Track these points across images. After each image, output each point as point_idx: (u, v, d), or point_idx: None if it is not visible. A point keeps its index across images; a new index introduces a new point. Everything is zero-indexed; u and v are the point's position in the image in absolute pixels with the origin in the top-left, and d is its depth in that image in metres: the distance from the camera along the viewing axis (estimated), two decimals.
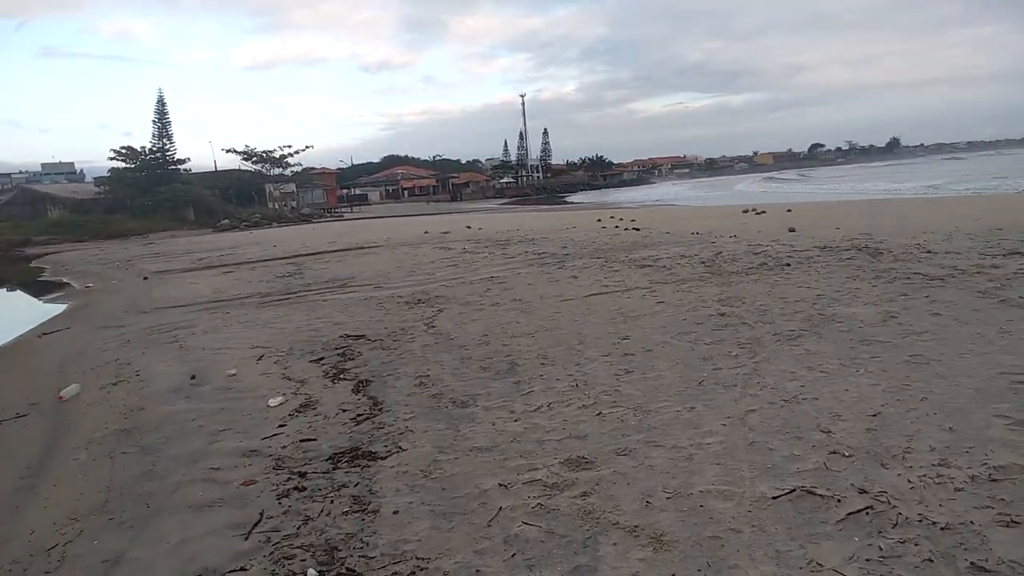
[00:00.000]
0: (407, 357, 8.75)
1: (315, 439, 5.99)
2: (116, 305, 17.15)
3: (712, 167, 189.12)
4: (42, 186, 76.56)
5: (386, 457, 5.40)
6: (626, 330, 9.04)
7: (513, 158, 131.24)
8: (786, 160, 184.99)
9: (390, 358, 8.78)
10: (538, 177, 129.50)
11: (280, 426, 6.45)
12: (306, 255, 25.40)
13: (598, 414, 5.91)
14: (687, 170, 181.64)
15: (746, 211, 29.16)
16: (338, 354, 9.27)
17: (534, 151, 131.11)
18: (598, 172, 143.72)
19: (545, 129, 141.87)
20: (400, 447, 5.58)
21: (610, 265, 15.59)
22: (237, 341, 10.76)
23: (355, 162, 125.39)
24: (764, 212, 28.01)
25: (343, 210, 76.39)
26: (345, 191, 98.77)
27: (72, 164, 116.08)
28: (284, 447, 5.88)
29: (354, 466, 5.30)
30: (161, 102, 64.73)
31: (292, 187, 74.88)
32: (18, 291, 26.87)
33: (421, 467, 5.11)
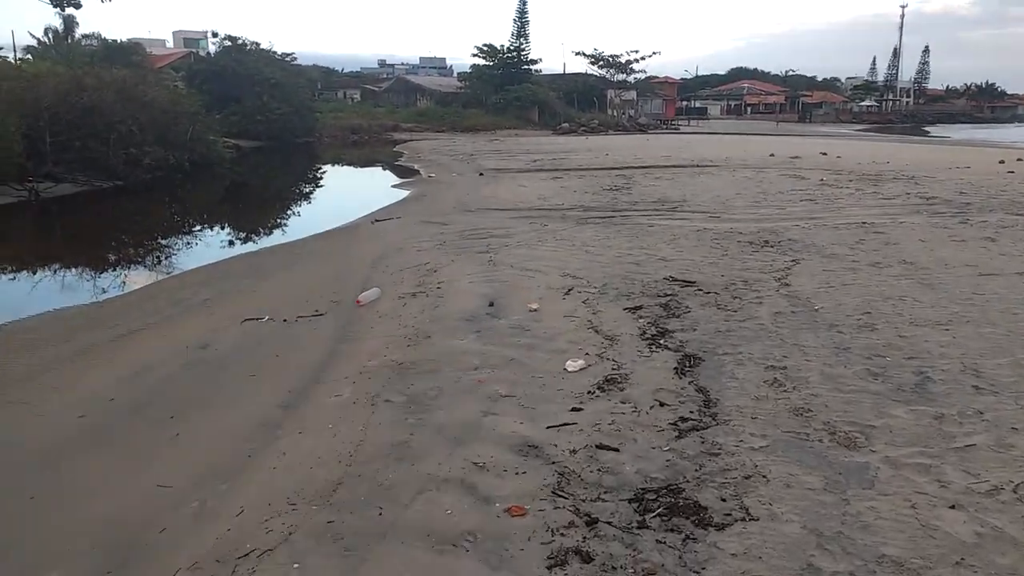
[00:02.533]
0: (751, 328, 6.45)
1: (617, 449, 4.15)
2: (447, 200, 17.19)
3: None
4: (416, 77, 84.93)
5: (723, 527, 3.34)
6: None
7: (880, 79, 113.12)
8: None
9: (728, 325, 6.56)
10: (907, 103, 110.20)
11: (574, 409, 4.73)
12: (637, 168, 23.57)
13: None
14: None
15: None
16: (660, 305, 7.29)
17: (907, 72, 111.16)
18: (984, 102, 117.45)
19: (926, 47, 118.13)
20: (747, 510, 3.47)
21: None
22: (548, 263, 9.37)
23: (700, 73, 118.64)
24: None
25: (680, 123, 72.91)
26: (684, 103, 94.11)
27: (444, 59, 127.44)
28: (574, 451, 4.14)
29: (671, 528, 3.35)
30: (523, 1, 66.50)
31: (633, 95, 73.04)
32: (387, 171, 29.35)
33: (790, 574, 2.97)
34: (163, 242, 14.14)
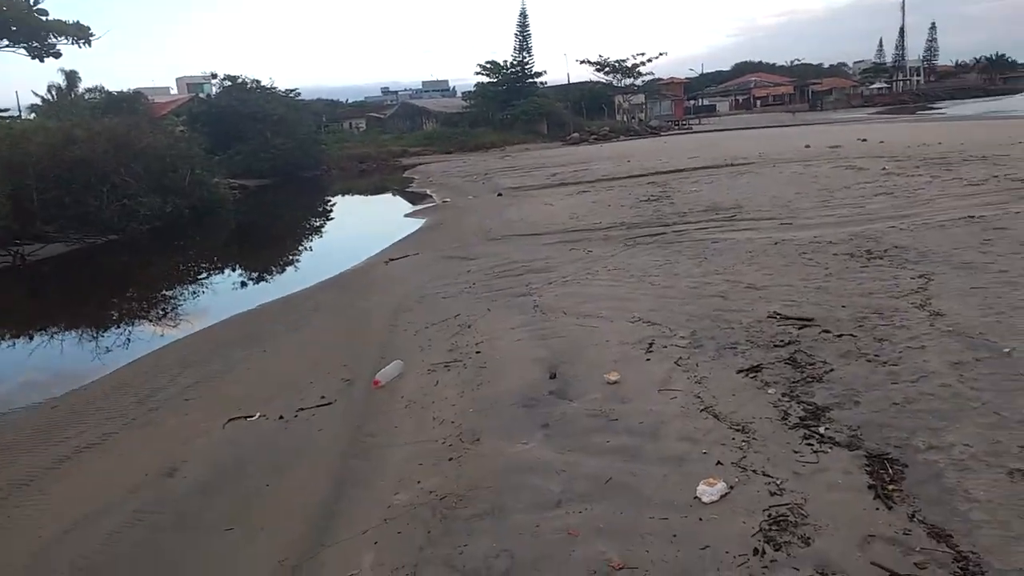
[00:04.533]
0: (935, 392, 4.50)
1: None
2: (467, 227, 15.36)
3: None
4: (420, 101, 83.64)
5: None
6: None
7: (889, 60, 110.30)
8: None
9: (900, 390, 4.60)
10: (917, 81, 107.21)
11: None
12: (666, 172, 21.65)
13: None
14: None
15: None
16: (784, 360, 5.35)
17: (915, 51, 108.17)
18: (996, 74, 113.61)
19: (932, 24, 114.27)
20: None
21: None
22: (609, 303, 7.47)
23: (705, 71, 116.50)
24: None
25: (692, 122, 70.88)
26: (692, 102, 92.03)
27: (446, 81, 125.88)
28: None
29: None
30: (523, 15, 64.84)
31: (641, 98, 71.29)
32: (398, 198, 27.68)
33: None
34: (145, 306, 12.34)
